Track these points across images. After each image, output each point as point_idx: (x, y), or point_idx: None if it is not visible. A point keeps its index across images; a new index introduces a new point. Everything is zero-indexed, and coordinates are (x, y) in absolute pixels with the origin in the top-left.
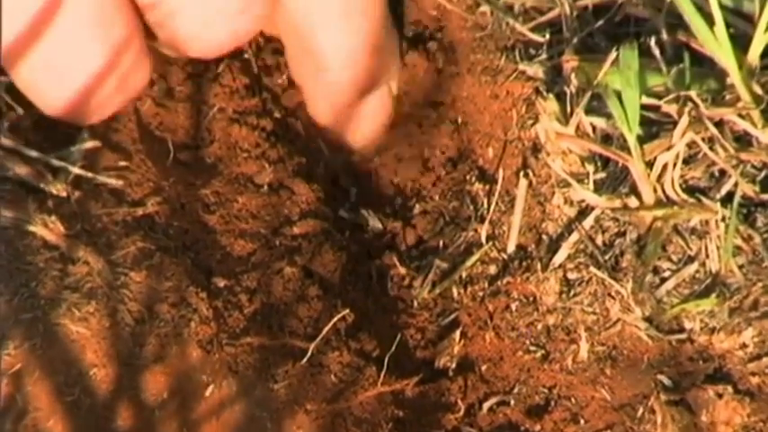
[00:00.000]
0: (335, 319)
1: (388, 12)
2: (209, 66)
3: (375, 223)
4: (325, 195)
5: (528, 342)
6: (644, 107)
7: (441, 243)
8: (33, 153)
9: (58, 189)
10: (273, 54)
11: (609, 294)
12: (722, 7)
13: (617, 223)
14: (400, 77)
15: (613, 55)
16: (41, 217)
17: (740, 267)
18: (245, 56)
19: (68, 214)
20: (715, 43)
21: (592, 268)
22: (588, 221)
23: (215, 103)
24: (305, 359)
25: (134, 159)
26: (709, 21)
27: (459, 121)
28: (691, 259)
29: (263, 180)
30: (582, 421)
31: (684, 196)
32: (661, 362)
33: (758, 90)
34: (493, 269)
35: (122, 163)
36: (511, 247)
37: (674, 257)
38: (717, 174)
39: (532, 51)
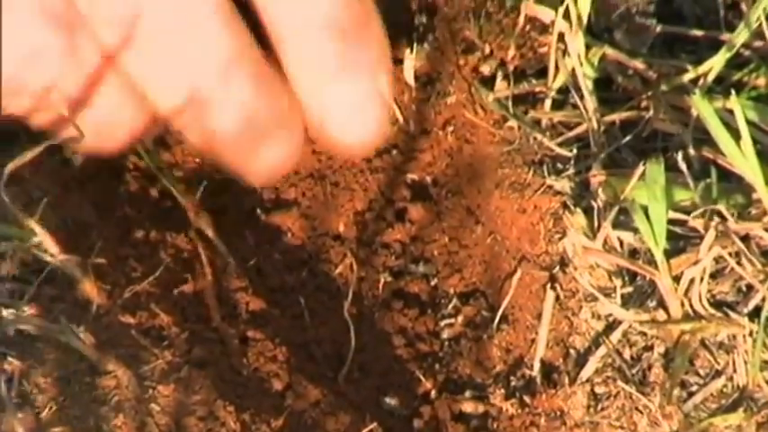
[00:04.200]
0: (365, 431)
1: None
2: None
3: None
4: None
5: None
6: (671, 222)
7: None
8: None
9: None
10: None
11: (636, 408)
12: (748, 123)
13: (644, 337)
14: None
15: (640, 170)
16: (72, 327)
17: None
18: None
19: (98, 326)
20: (741, 158)
21: (619, 382)
22: (616, 335)
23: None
24: None
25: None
26: (736, 136)
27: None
28: (718, 373)
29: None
30: None
31: (712, 311)
32: None
33: None
34: (521, 383)
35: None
36: (538, 361)
37: (702, 372)
38: (744, 288)
39: (560, 166)
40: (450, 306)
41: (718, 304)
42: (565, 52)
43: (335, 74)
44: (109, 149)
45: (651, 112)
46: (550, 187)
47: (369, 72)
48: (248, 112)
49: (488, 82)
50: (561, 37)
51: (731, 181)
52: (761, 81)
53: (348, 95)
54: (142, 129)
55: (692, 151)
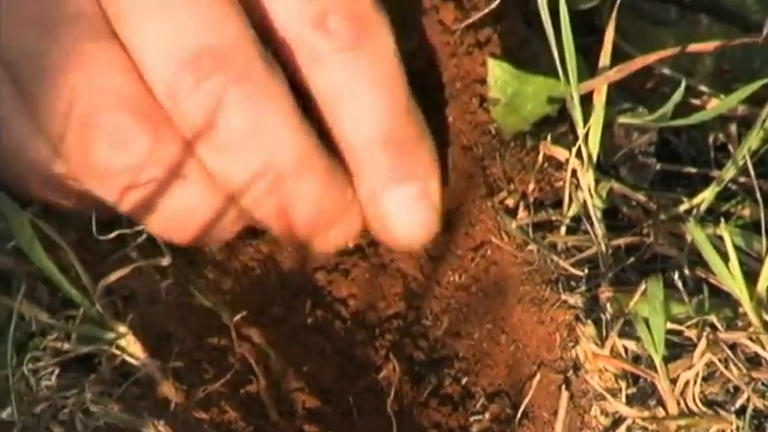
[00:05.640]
0: None
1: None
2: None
3: None
4: None
5: None
6: (669, 332)
7: None
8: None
9: (169, 398)
10: None
11: None
12: (735, 247)
13: (646, 431)
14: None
15: (642, 287)
16: (153, 421)
17: None
18: None
19: (176, 421)
20: (730, 278)
21: None
22: (621, 430)
23: None
24: None
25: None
26: (725, 259)
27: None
28: None
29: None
30: None
31: (704, 408)
32: None
33: (767, 317)
34: None
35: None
36: None
37: None
38: (732, 389)
39: (573, 284)
40: (479, 404)
41: (709, 403)
42: (577, 186)
43: (391, 182)
44: (183, 239)
45: (652, 238)
46: (565, 302)
47: (420, 179)
48: (319, 204)
49: (512, 211)
50: (574, 173)
51: (721, 297)
52: (746, 212)
53: (402, 200)
54: (217, 222)
55: (687, 271)
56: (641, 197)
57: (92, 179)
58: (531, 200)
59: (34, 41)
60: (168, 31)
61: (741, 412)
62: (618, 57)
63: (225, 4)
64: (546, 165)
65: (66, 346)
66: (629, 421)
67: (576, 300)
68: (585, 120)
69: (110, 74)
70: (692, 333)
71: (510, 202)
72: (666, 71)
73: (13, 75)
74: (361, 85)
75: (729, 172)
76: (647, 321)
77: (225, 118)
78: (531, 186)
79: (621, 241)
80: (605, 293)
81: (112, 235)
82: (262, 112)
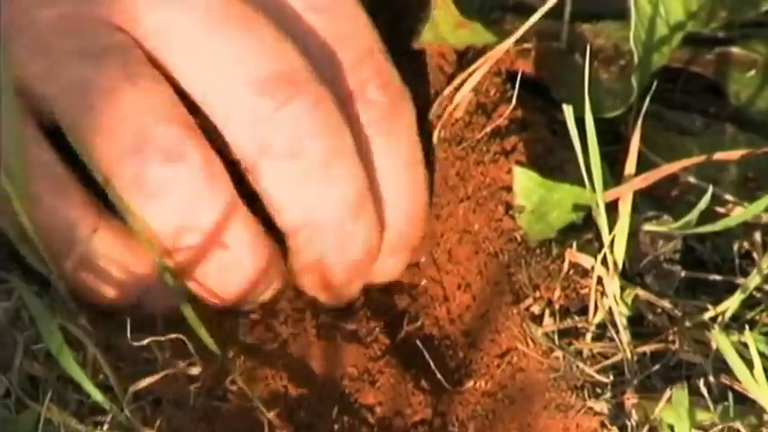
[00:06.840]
0: None
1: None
2: None
3: None
4: None
5: None
6: None
7: None
8: None
9: None
10: None
11: None
12: (760, 355)
13: None
14: None
15: (668, 394)
16: None
17: None
18: None
19: None
20: (755, 385)
21: None
22: None
23: None
24: None
25: None
26: (750, 366)
27: None
28: None
29: None
30: None
31: None
32: None
33: None
34: None
35: None
36: None
37: None
38: None
39: (598, 390)
40: None
41: None
42: (603, 293)
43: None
44: (228, 298)
45: (677, 345)
46: (590, 408)
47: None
48: (367, 248)
49: (538, 318)
50: (600, 280)
51: (746, 404)
52: None
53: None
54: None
55: (712, 378)
56: (666, 304)
57: (144, 197)
58: (557, 307)
59: (79, 71)
60: (228, 59)
61: None
62: (643, 165)
63: (283, 36)
64: (571, 272)
65: None
66: None
67: (601, 406)
68: (611, 227)
69: (161, 95)
70: None
71: (536, 309)
72: (692, 179)
73: (58, 108)
74: (390, 160)
75: (754, 280)
76: (672, 428)
77: (306, 144)
78: (557, 293)
79: (647, 348)
80: (630, 400)
81: (146, 341)
82: (338, 140)
